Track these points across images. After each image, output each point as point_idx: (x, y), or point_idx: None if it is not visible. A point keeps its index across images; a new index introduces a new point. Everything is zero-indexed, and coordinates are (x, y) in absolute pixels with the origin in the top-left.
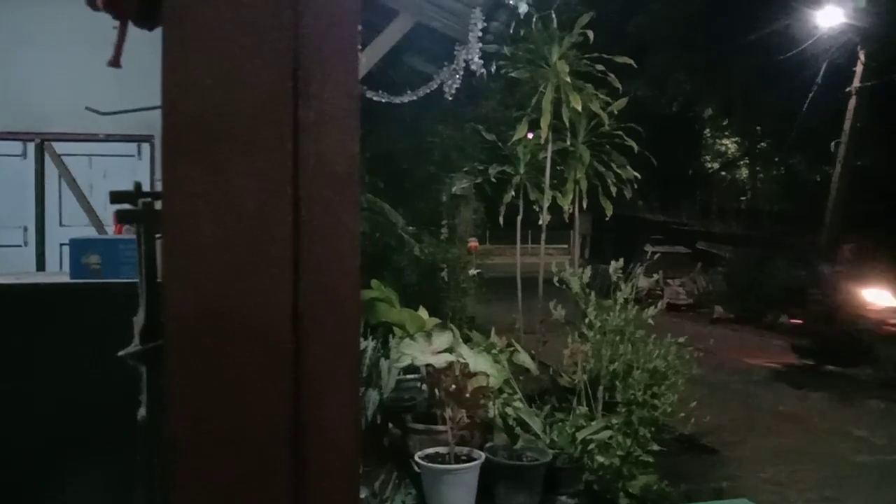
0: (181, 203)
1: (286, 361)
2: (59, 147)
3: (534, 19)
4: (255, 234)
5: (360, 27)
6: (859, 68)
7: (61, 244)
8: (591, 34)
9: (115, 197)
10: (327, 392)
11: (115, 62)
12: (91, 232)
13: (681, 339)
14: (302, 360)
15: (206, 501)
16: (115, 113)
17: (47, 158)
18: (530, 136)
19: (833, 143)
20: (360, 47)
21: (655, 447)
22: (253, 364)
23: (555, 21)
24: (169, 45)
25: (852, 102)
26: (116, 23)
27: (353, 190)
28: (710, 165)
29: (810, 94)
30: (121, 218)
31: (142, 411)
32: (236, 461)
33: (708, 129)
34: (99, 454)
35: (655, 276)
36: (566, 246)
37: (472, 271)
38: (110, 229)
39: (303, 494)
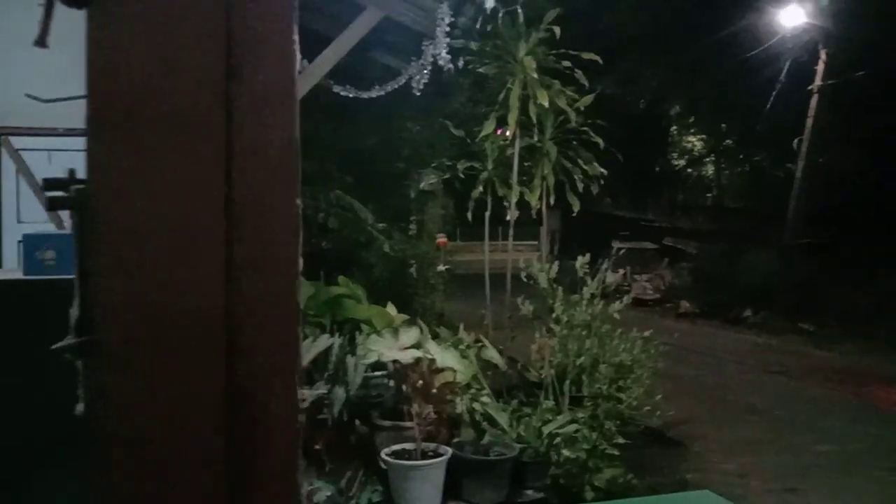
0: (107, 188)
1: (220, 354)
2: (17, 142)
3: (499, 15)
4: (187, 221)
5: (296, 8)
6: (821, 67)
7: (19, 241)
8: (557, 30)
9: (49, 184)
10: (265, 387)
11: (41, 42)
12: (51, 228)
13: (646, 334)
14: (238, 352)
15: (138, 499)
16: (56, 100)
17: (4, 153)
18: (500, 132)
19: (796, 141)
20: (296, 30)
21: (621, 440)
22: (186, 356)
23: (521, 16)
24: (94, 22)
25: (814, 100)
26: (72, 11)
27: (291, 175)
28: (676, 162)
29: (774, 93)
30: (51, 205)
31: (79, 407)
32: (169, 458)
33: (675, 127)
34: (56, 453)
35: (622, 272)
36: (536, 242)
37: (441, 267)
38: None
39: (240, 493)
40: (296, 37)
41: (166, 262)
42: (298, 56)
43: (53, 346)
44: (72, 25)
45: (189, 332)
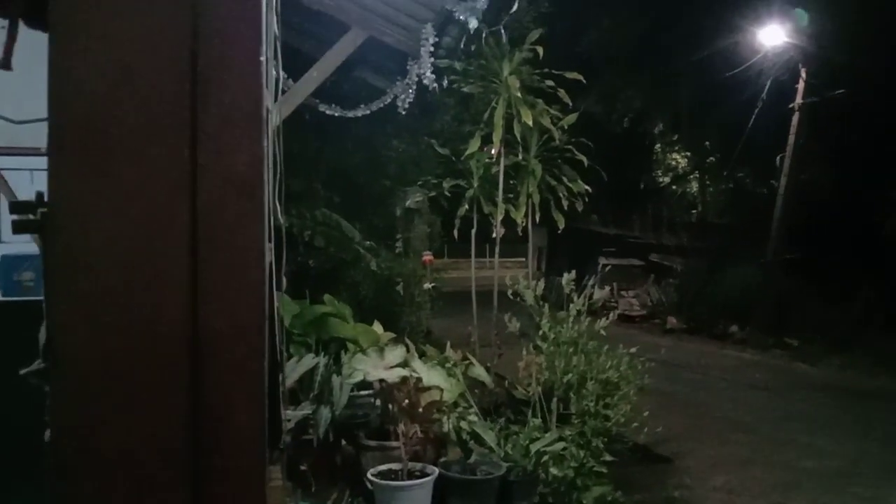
0: (67, 211)
1: (182, 381)
2: None
3: (483, 35)
4: (149, 245)
5: (263, 28)
6: (801, 85)
7: None
8: (540, 50)
9: (15, 208)
10: (229, 414)
11: (5, 64)
12: (33, 249)
13: (632, 350)
14: (200, 380)
15: None
16: (28, 122)
17: None
18: (486, 150)
19: (778, 158)
20: (271, 51)
21: (608, 457)
22: (145, 384)
23: (504, 36)
24: (56, 45)
25: (795, 118)
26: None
27: (258, 198)
28: (661, 179)
29: (756, 111)
30: (16, 228)
31: (48, 433)
32: (126, 485)
33: (658, 145)
34: (33, 474)
35: (608, 288)
36: (523, 259)
37: (427, 285)
38: None
39: None
40: (263, 58)
41: (125, 288)
42: (283, 75)
43: (21, 371)
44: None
45: (151, 355)
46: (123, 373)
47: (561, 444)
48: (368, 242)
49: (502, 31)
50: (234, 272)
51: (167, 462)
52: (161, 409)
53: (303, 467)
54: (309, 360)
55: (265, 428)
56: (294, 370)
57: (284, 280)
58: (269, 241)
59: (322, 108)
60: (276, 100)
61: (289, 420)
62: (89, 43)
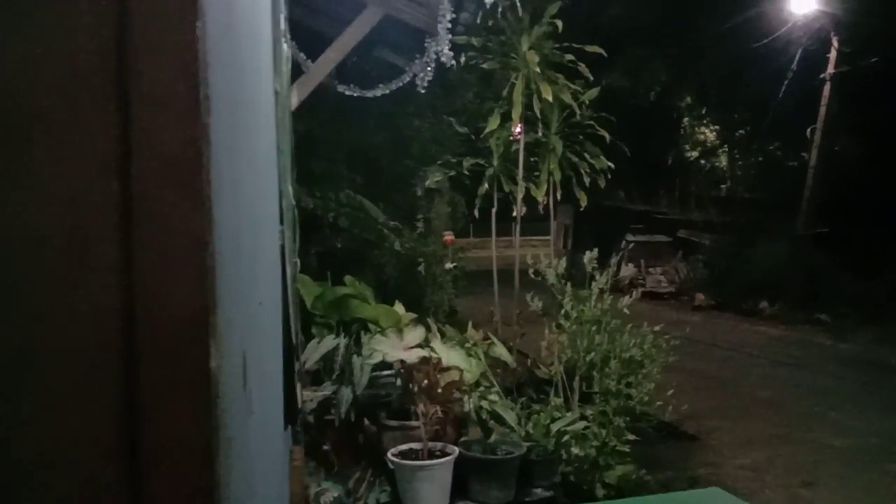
0: None
1: (114, 379)
2: None
3: (499, 9)
4: (74, 233)
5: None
6: (833, 54)
7: None
8: (560, 24)
9: None
10: (166, 412)
11: None
12: None
13: (656, 328)
14: (135, 376)
15: None
16: None
17: None
18: (516, 129)
19: (808, 130)
20: (198, 22)
21: (631, 437)
22: (73, 382)
23: (520, 9)
24: None
25: (827, 88)
26: None
27: (196, 181)
28: (689, 154)
29: (786, 81)
30: None
31: None
32: (51, 492)
33: (686, 118)
34: None
35: (631, 265)
36: (548, 237)
37: (449, 265)
38: None
39: None
40: (200, 32)
41: (48, 281)
42: (302, 56)
43: None
44: None
45: (79, 350)
46: (47, 369)
47: (582, 424)
48: (393, 223)
49: (518, 4)
50: (171, 260)
51: (100, 465)
52: (92, 408)
53: (325, 447)
54: (329, 342)
55: (210, 423)
56: (315, 351)
57: (298, 262)
58: (281, 224)
59: (341, 88)
60: (291, 81)
61: (311, 400)
62: (1, 17)
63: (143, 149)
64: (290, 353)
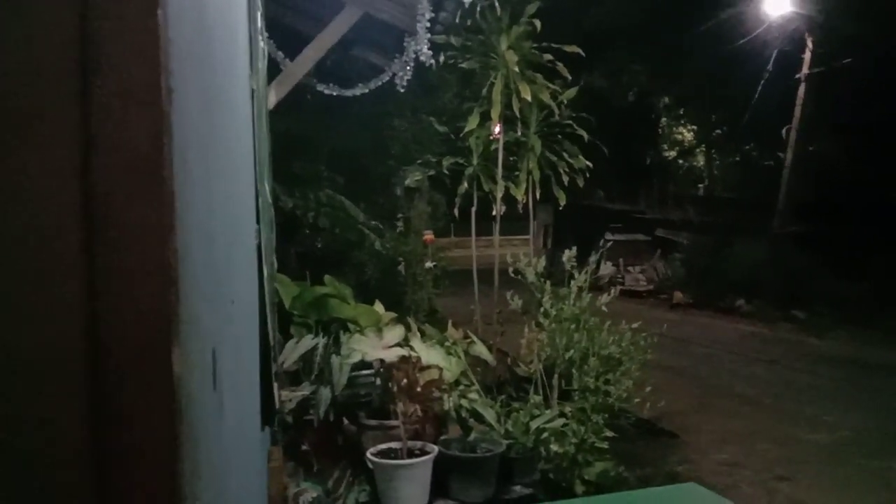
0: None
1: (80, 383)
2: None
3: (478, 9)
4: (37, 233)
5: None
6: (807, 55)
7: None
8: (538, 23)
9: None
10: (128, 415)
11: None
12: None
13: (634, 325)
14: (101, 381)
15: None
16: None
17: None
18: (495, 128)
19: (784, 129)
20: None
21: (610, 434)
22: (37, 386)
23: (498, 9)
24: None
25: (802, 89)
26: None
27: (162, 180)
28: (667, 154)
29: (762, 82)
30: None
31: None
32: (17, 490)
33: (665, 119)
34: None
35: (612, 264)
36: (528, 237)
37: (429, 264)
38: None
39: None
40: (162, 22)
41: (11, 282)
42: (280, 55)
43: None
44: None
45: (39, 361)
46: (11, 374)
47: (561, 421)
48: (373, 222)
49: (496, 4)
50: (131, 258)
51: (63, 469)
52: (52, 410)
53: (304, 447)
54: (308, 341)
55: (175, 425)
56: (294, 351)
57: (275, 261)
58: (258, 224)
59: (320, 87)
60: (268, 80)
61: (289, 401)
62: None
63: (106, 143)
64: (268, 353)
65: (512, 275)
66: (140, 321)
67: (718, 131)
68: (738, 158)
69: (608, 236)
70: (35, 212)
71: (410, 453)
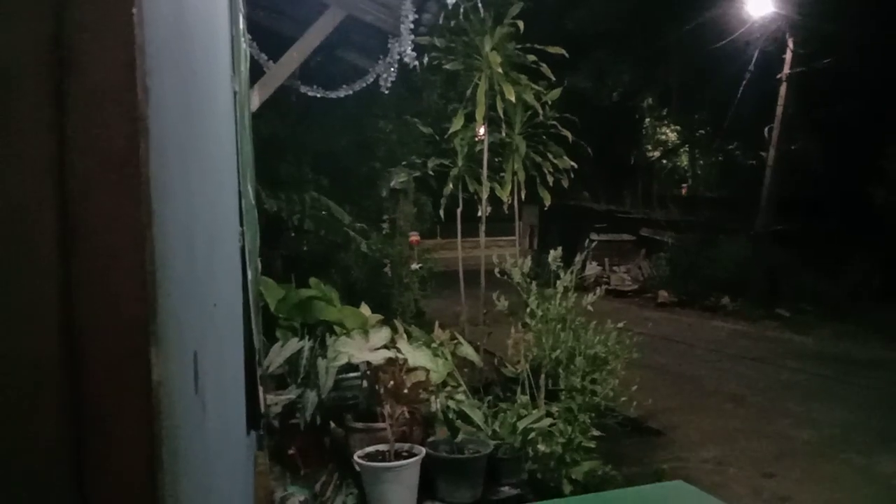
0: None
1: (56, 381)
2: None
3: (461, 10)
4: (10, 232)
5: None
6: (789, 55)
7: None
8: (521, 24)
9: None
10: (107, 420)
11: None
12: None
13: (620, 325)
14: (77, 380)
15: None
16: None
17: None
18: (479, 129)
19: (766, 129)
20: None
21: (597, 433)
22: (12, 390)
23: (481, 11)
24: None
25: (783, 89)
26: None
27: (139, 180)
28: (651, 154)
29: (744, 82)
30: None
31: None
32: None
33: (648, 119)
34: None
35: (597, 265)
36: (514, 237)
37: (415, 266)
38: None
39: None
40: (137, 20)
41: None
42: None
43: None
44: None
45: (14, 360)
46: None
47: (548, 421)
48: (359, 225)
49: (479, 5)
50: (110, 258)
51: (44, 475)
52: (29, 416)
53: (290, 451)
54: (294, 344)
55: (153, 431)
56: (279, 354)
57: (260, 264)
58: (241, 226)
59: (304, 89)
60: (251, 82)
61: (275, 404)
62: None
63: (82, 143)
64: (253, 356)
65: (498, 276)
66: (117, 323)
67: (701, 131)
68: (720, 158)
69: (593, 236)
70: (10, 213)
71: (398, 455)
